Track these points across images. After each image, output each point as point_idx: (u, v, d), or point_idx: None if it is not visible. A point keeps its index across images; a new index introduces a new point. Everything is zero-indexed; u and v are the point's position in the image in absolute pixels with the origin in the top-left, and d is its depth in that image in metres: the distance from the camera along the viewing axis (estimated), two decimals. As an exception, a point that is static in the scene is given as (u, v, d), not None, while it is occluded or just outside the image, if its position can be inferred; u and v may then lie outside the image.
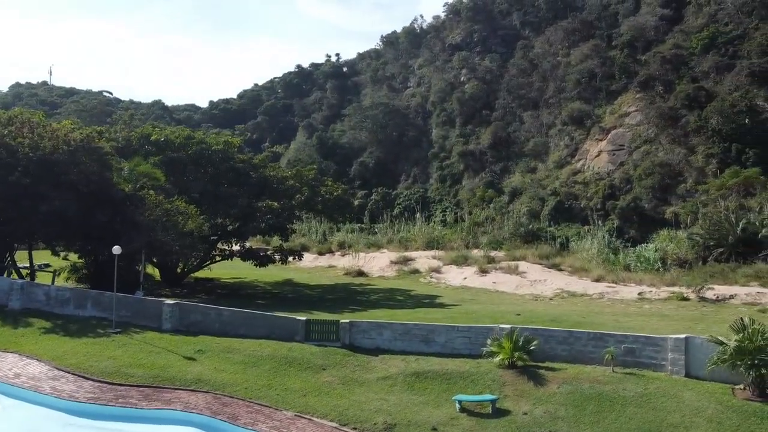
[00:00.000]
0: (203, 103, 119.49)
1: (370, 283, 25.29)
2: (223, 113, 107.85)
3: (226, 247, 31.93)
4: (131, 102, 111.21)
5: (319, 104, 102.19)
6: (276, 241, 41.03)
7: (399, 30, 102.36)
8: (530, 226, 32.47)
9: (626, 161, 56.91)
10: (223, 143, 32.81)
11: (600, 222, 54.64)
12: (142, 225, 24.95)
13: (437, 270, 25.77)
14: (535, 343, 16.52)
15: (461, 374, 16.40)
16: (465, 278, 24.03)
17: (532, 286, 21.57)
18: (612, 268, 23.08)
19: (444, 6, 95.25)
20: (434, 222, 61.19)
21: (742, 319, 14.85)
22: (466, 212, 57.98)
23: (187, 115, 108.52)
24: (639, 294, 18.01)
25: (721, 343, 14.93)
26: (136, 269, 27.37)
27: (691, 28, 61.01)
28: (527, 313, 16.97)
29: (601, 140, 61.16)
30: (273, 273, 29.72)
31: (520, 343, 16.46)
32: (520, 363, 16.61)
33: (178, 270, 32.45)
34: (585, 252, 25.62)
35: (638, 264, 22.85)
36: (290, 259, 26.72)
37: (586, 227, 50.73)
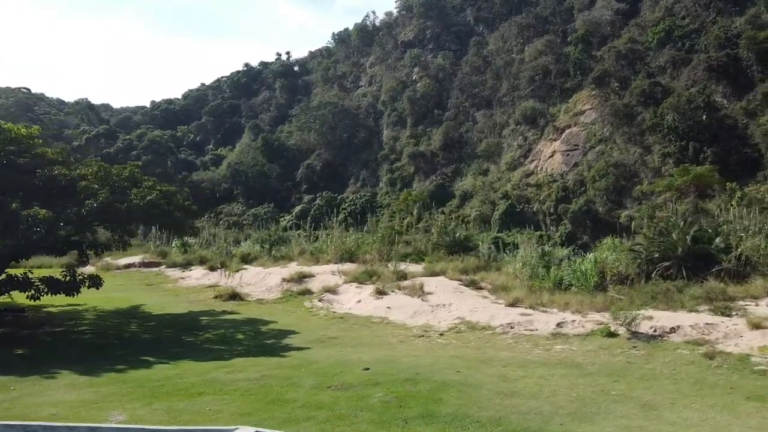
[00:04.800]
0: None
1: (234, 310, 20.21)
2: (165, 114, 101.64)
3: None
4: (59, 101, 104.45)
5: (267, 104, 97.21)
6: (175, 254, 35.35)
7: (351, 27, 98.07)
8: (457, 235, 28.24)
9: (580, 162, 53.51)
10: None
11: (553, 227, 51.34)
12: None
13: (333, 290, 21.19)
14: None
15: None
16: (359, 301, 19.43)
17: (432, 312, 17.04)
18: (541, 284, 18.87)
19: (396, 2, 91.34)
20: (380, 226, 57.03)
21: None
22: (395, 218, 53.92)
23: (126, 115, 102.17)
24: (557, 325, 13.69)
25: None
26: None
27: (647, 22, 57.93)
28: (385, 364, 11.98)
29: (554, 140, 57.69)
30: (133, 296, 24.40)
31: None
32: None
33: None
34: (512, 265, 21.35)
35: (574, 279, 18.66)
36: (86, 287, 19.53)
37: (538, 233, 47.45)
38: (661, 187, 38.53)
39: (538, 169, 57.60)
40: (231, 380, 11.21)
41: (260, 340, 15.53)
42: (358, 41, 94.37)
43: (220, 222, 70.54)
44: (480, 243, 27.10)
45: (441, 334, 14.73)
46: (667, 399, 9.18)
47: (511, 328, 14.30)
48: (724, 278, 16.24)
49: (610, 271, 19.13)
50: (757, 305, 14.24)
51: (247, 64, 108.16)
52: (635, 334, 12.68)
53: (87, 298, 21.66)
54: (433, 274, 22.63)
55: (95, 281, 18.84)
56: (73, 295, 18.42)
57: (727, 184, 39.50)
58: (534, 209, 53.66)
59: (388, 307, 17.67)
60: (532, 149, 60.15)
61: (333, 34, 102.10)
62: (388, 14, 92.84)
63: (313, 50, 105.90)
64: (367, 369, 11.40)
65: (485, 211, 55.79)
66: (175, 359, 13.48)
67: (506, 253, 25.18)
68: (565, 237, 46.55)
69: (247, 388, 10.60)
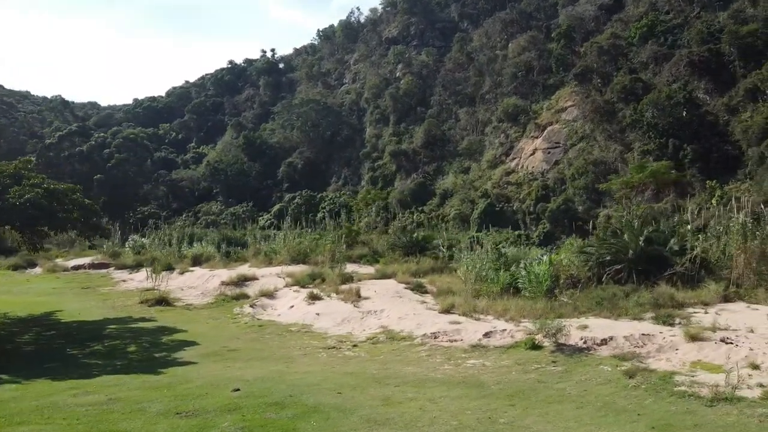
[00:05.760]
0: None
1: (153, 317, 18.65)
2: (148, 111, 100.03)
3: None
4: (44, 99, 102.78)
5: (250, 102, 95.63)
6: (127, 255, 33.63)
7: (336, 24, 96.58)
8: (414, 235, 26.92)
9: (561, 160, 52.23)
10: None
11: (533, 226, 50.14)
12: None
13: (270, 295, 19.81)
14: None
15: None
16: (292, 307, 18.03)
17: (362, 320, 15.67)
18: (488, 288, 17.50)
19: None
20: (357, 226, 55.80)
21: None
22: (356, 217, 52.63)
23: (107, 113, 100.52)
24: (484, 335, 12.32)
25: None
26: None
27: (630, 17, 56.77)
28: (265, 382, 10.23)
29: (536, 138, 56.43)
30: (58, 301, 22.74)
31: None
32: None
33: None
34: (462, 268, 19.97)
35: (527, 283, 17.29)
36: None
37: (517, 232, 46.28)
38: (616, 185, 37.28)
39: (519, 167, 56.35)
40: (71, 405, 9.69)
41: (151, 353, 14.05)
42: (343, 38, 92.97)
43: (199, 221, 69.08)
44: (440, 243, 25.69)
45: (354, 346, 13.36)
46: (561, 429, 7.82)
47: (435, 338, 12.94)
48: (677, 283, 14.90)
49: (564, 273, 17.82)
50: (706, 313, 12.90)
51: (231, 62, 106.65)
52: (561, 347, 11.31)
53: (6, 303, 20.28)
54: (385, 276, 21.33)
55: None
56: None
57: (707, 182, 38.28)
58: (514, 208, 52.45)
59: (318, 314, 16.32)
60: (513, 147, 58.90)
61: (318, 30, 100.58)
62: (373, 11, 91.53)
63: (298, 47, 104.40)
64: (238, 390, 9.99)
65: (465, 210, 54.60)
66: (32, 377, 11.94)
67: (460, 254, 23.81)
68: (544, 236, 45.40)
69: (81, 416, 9.09)
